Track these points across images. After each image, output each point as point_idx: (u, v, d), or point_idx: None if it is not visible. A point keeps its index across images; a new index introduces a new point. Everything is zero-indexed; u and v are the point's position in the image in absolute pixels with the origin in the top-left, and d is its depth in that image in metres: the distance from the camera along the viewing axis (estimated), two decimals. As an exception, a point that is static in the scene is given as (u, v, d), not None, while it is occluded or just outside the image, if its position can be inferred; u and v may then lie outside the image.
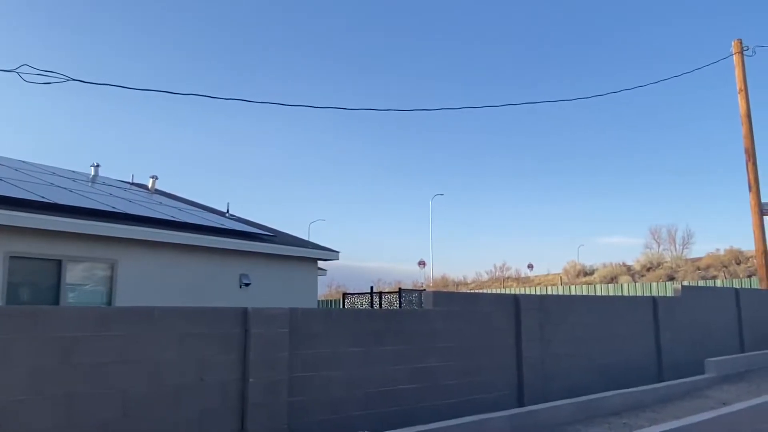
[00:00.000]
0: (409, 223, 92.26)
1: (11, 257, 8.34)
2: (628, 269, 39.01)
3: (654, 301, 10.58)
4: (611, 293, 20.21)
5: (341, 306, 24.03)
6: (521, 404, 7.51)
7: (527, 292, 24.97)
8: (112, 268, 9.66)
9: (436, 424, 5.46)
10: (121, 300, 9.56)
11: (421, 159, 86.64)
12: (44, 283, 8.92)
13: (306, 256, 13.63)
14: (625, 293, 19.90)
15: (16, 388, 4.18)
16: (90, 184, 13.85)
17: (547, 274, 48.90)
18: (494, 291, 33.11)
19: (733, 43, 17.09)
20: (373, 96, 73.13)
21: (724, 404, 6.76)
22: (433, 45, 74.10)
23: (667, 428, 4.46)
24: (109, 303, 9.52)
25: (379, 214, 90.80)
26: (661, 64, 63.77)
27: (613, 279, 34.93)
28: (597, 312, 9.38)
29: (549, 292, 22.98)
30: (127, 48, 64.71)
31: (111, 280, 9.67)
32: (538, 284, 39.48)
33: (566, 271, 44.87)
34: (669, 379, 9.58)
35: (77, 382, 4.45)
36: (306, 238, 17.81)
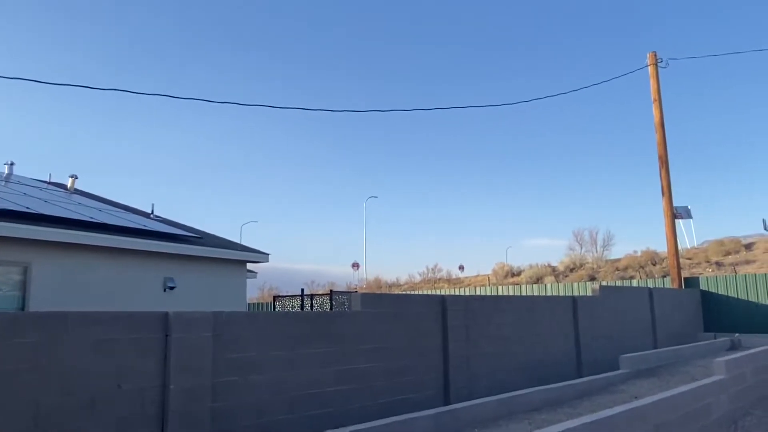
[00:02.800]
0: (343, 225, 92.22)
1: None
2: (553, 270, 40.40)
3: (574, 300, 11.02)
4: (537, 293, 20.89)
5: (272, 309, 23.74)
6: (447, 403, 7.66)
7: (457, 293, 25.44)
8: (26, 271, 9.16)
9: (362, 425, 5.48)
10: (36, 305, 9.08)
11: (355, 160, 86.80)
12: (-52, 288, 8.36)
13: (234, 258, 13.38)
14: (549, 293, 20.62)
15: None
16: (3, 183, 13.10)
17: (477, 275, 49.96)
18: (426, 292, 33.56)
19: (648, 55, 18.05)
20: (307, 94, 72.58)
21: (636, 398, 7.12)
22: (373, 44, 74.31)
23: (581, 422, 4.66)
24: (23, 308, 9.03)
25: (313, 216, 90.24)
26: (583, 72, 66.56)
27: (538, 279, 36.09)
28: (521, 312, 9.68)
29: (478, 293, 23.51)
30: (51, 40, 61.54)
31: (24, 284, 9.17)
32: (468, 285, 40.32)
33: (495, 272, 45.96)
34: (588, 375, 10.00)
35: (-19, 393, 4.20)
36: (238, 241, 17.48)
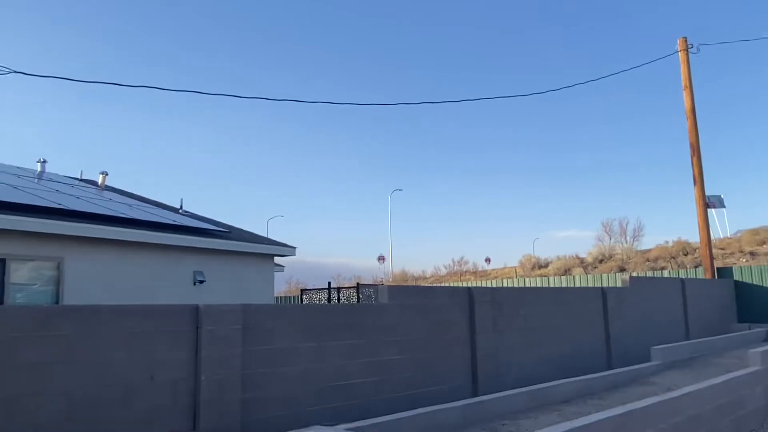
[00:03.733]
0: (369, 218, 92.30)
1: (-50, 257, 8.02)
2: (581, 262, 39.93)
3: (603, 291, 10.88)
4: (565, 285, 20.68)
5: (299, 302, 23.92)
6: (475, 394, 7.63)
7: (483, 285, 25.32)
8: (59, 266, 9.38)
9: (390, 416, 5.50)
10: (70, 299, 9.29)
11: (381, 153, 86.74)
12: (-14, 283, 8.59)
13: (262, 252, 13.50)
14: (578, 285, 20.40)
15: (-47, 391, 4.03)
16: (36, 180, 13.40)
17: (504, 268, 49.66)
18: (452, 284, 33.48)
19: (678, 41, 17.65)
20: (334, 88, 72.62)
21: (669, 390, 7.01)
22: (395, 36, 73.99)
23: (613, 414, 4.61)
24: (57, 302, 9.25)
25: (339, 209, 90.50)
26: (609, 61, 65.38)
27: (566, 271, 35.69)
28: (549, 303, 9.59)
29: (505, 285, 23.36)
30: (73, 38, 62.66)
31: (58, 279, 9.39)
32: (495, 277, 40.09)
33: (522, 264, 45.61)
34: (618, 367, 9.88)
35: (21, 383, 4.31)
36: (264, 235, 17.64)
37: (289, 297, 31.19)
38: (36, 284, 9.26)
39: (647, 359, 9.78)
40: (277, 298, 25.27)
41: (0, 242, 8.56)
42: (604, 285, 17.88)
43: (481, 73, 73.71)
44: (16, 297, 8.78)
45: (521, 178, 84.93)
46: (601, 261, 38.47)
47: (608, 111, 76.13)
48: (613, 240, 45.37)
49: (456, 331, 7.85)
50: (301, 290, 24.98)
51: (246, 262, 13.03)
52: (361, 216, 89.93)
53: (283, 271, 19.70)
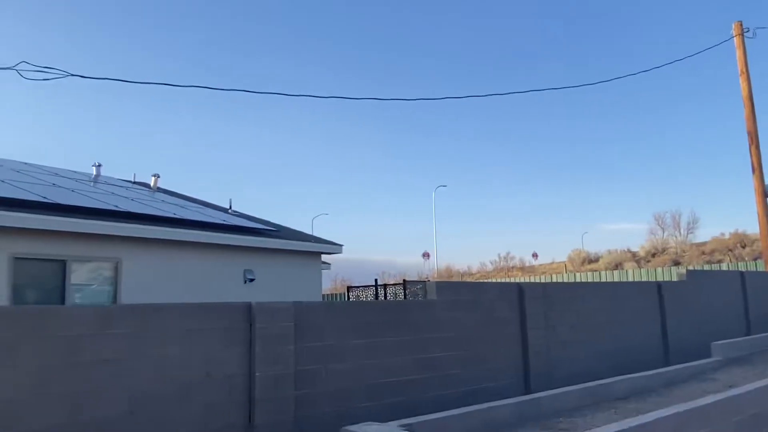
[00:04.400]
0: (412, 214, 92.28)
1: (16, 258, 8.37)
2: (633, 255, 38.95)
3: (659, 286, 10.57)
4: (617, 279, 20.20)
5: (346, 299, 24.08)
6: (528, 392, 7.53)
7: (532, 281, 24.95)
8: (117, 267, 9.69)
9: (441, 413, 5.47)
10: (126, 298, 9.60)
11: (424, 149, 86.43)
12: (49, 283, 8.94)
13: (309, 250, 13.64)
14: (631, 279, 19.88)
15: (23, 387, 4.21)
16: (92, 183, 13.88)
17: (552, 263, 48.89)
18: (498, 280, 33.10)
19: (733, 26, 16.97)
20: (377, 85, 72.76)
21: (731, 387, 6.75)
22: (441, 31, 73.55)
23: (673, 411, 4.46)
24: (115, 302, 9.56)
25: (382, 206, 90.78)
26: (661, 48, 63.36)
27: (618, 266, 34.85)
28: (602, 298, 9.38)
29: (554, 280, 22.97)
30: (127, 43, 64.59)
31: (116, 279, 9.71)
32: (543, 273, 39.47)
33: (571, 259, 44.82)
34: (675, 363, 9.57)
35: (83, 381, 4.47)
36: (309, 233, 17.83)
37: (336, 294, 31.46)
38: (94, 284, 9.59)
39: (706, 355, 9.45)
40: (323, 295, 25.52)
41: (61, 244, 8.90)
42: (659, 279, 17.38)
43: (522, 66, 72.58)
44: (75, 297, 9.11)
45: (568, 171, 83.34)
46: (653, 255, 37.43)
47: (658, 100, 73.87)
48: (666, 233, 44.09)
49: (506, 327, 7.76)
50: (348, 287, 25.15)
51: (294, 261, 13.19)
52: (405, 213, 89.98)
53: (329, 268, 19.87)
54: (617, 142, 78.16)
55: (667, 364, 9.88)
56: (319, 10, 67.79)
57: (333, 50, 73.66)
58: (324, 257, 15.44)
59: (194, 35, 66.78)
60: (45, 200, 9.35)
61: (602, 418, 6.12)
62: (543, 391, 7.05)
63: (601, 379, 7.75)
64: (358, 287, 24.26)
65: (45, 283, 8.99)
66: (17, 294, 8.46)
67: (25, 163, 14.27)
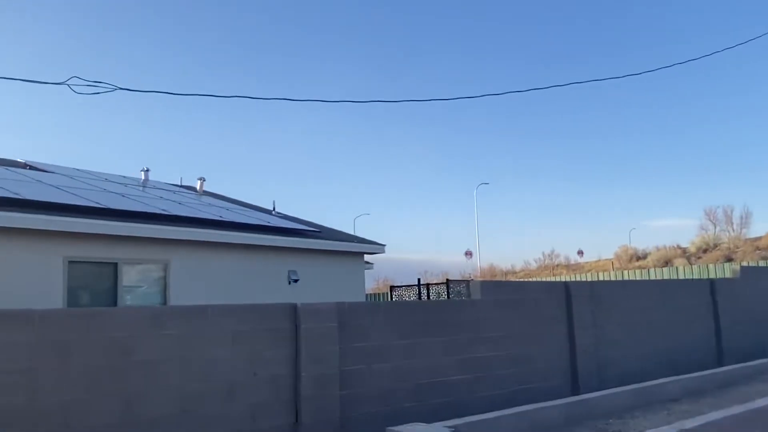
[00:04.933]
0: (454, 213, 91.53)
1: (70, 262, 8.66)
2: (683, 252, 37.83)
3: (711, 283, 10.23)
4: (666, 277, 19.65)
5: (389, 299, 24.11)
6: (576, 392, 7.38)
7: (577, 279, 24.49)
8: (166, 268, 9.93)
9: (488, 414, 5.42)
10: (175, 299, 9.82)
11: (465, 147, 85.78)
12: (102, 285, 9.23)
13: (352, 250, 13.70)
14: (681, 277, 19.30)
15: (78, 386, 4.35)
16: (141, 188, 14.27)
17: (598, 260, 47.90)
18: (543, 279, 32.61)
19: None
20: (418, 84, 72.48)
21: (791, 388, 6.49)
22: (478, 27, 72.85)
23: (729, 413, 4.31)
24: (164, 303, 9.79)
25: (423, 205, 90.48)
26: (708, 38, 61.24)
27: (667, 262, 33.90)
28: (651, 297, 9.14)
29: (600, 278, 22.49)
30: (168, 50, 66.21)
31: (165, 281, 9.94)
32: (589, 271, 38.69)
33: (618, 257, 43.83)
34: (729, 364, 9.25)
35: (135, 380, 4.60)
36: (351, 233, 17.93)
37: (378, 294, 31.53)
38: (143, 286, 9.85)
39: (762, 355, 9.12)
40: (367, 295, 25.63)
41: (112, 247, 9.17)
42: (711, 276, 16.83)
43: (562, 61, 71.28)
44: (126, 298, 9.38)
45: (613, 166, 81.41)
46: (705, 251, 36.27)
47: (706, 91, 71.50)
48: (718, 228, 42.66)
49: (553, 327, 7.63)
50: (391, 287, 25.16)
51: (337, 261, 13.27)
52: (446, 211, 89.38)
53: (372, 268, 19.92)
54: (664, 135, 75.96)
55: (720, 364, 9.55)
56: (355, 9, 68.03)
57: (368, 48, 73.85)
58: (367, 257, 15.49)
59: (230, 37, 67.93)
60: (97, 205, 9.66)
61: (654, 419, 5.96)
62: (592, 391, 6.92)
63: (652, 379, 7.56)
64: (400, 287, 24.24)
65: (98, 286, 9.29)
66: (72, 296, 8.76)
67: (77, 170, 14.78)
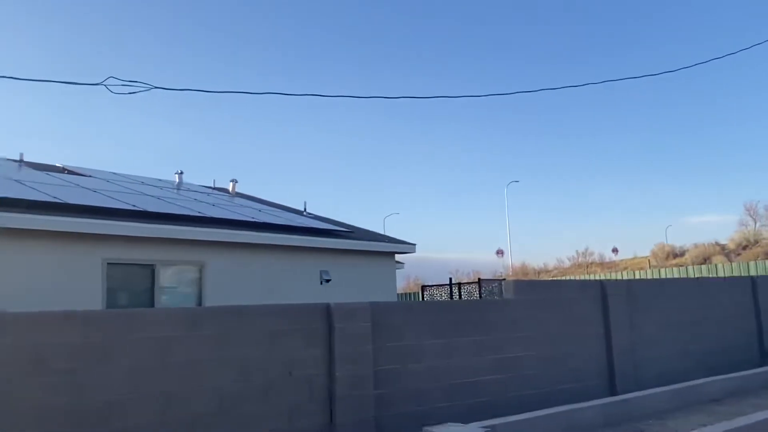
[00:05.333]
0: (484, 211, 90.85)
1: (108, 264, 8.86)
2: (722, 249, 36.90)
3: (753, 281, 9.96)
4: (705, 275, 19.18)
5: (420, 299, 24.06)
6: (613, 393, 7.27)
7: (613, 278, 24.11)
8: (201, 269, 10.08)
9: (524, 414, 5.37)
10: (210, 300, 9.97)
11: (495, 145, 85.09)
12: (139, 287, 9.42)
13: (383, 250, 13.71)
14: (720, 274, 18.82)
15: (118, 385, 4.44)
16: (176, 190, 14.52)
17: (634, 258, 47.05)
18: (577, 278, 32.17)
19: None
20: (448, 81, 72.10)
21: (840, 389, 6.27)
22: (506, 28, 72.23)
23: (776, 416, 4.19)
24: (200, 303, 9.94)
25: (453, 204, 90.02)
26: (743, 32, 59.48)
27: (706, 260, 33.12)
28: (690, 295, 8.94)
29: (636, 277, 22.07)
30: (205, 49, 67.19)
31: (200, 282, 10.10)
32: (624, 269, 38.00)
33: (654, 254, 42.99)
34: (774, 364, 8.99)
35: (173, 380, 4.68)
36: (382, 233, 17.94)
37: (409, 294, 31.50)
38: (179, 287, 10.02)
39: (809, 355, 8.82)
40: (398, 294, 25.61)
41: (149, 249, 9.35)
42: (752, 273, 16.38)
43: (597, 57, 70.15)
44: (162, 299, 9.55)
45: (648, 162, 79.82)
46: (744, 247, 35.30)
47: (746, 85, 69.55)
48: (758, 224, 41.46)
49: (588, 326, 7.52)
50: (422, 287, 25.10)
51: (368, 261, 13.30)
52: (477, 210, 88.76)
53: (403, 268, 19.91)
54: (702, 130, 74.13)
55: (763, 364, 9.29)
56: (386, 10, 68.03)
57: (400, 47, 73.80)
58: (397, 256, 15.49)
59: (262, 39, 68.63)
60: (134, 208, 9.86)
61: (695, 420, 5.83)
62: (629, 392, 6.80)
63: (691, 379, 7.39)
64: (432, 286, 24.16)
65: (135, 287, 9.48)
66: (111, 297, 8.96)
67: (114, 173, 15.12)
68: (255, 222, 11.55)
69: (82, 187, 11.17)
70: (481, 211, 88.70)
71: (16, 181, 10.25)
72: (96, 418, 4.32)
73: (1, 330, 4.07)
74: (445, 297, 21.98)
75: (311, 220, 14.12)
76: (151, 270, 9.40)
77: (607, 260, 49.72)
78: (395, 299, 15.81)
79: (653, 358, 8.04)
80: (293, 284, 11.32)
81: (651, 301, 8.29)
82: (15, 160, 13.57)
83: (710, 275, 18.79)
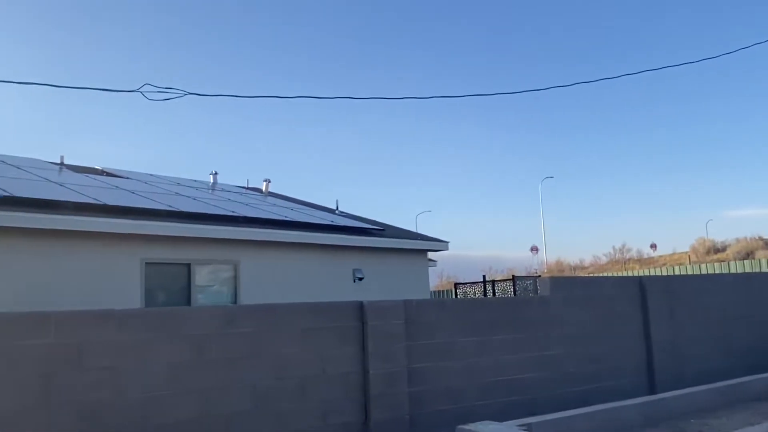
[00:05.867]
0: (518, 208, 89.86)
1: (146, 263, 9.04)
2: (766, 243, 35.79)
3: (799, 276, 9.62)
4: (747, 270, 18.63)
5: (453, 296, 23.95)
6: (653, 391, 7.12)
7: (651, 274, 23.61)
8: (236, 268, 10.21)
9: (562, 413, 5.29)
10: (244, 298, 10.09)
11: (527, 141, 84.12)
12: (176, 285, 9.59)
13: (416, 248, 13.68)
14: (764, 269, 18.25)
15: (158, 382, 4.53)
16: (210, 191, 14.74)
17: (673, 254, 46.01)
18: (614, 274, 31.59)
19: None
20: (480, 79, 71.53)
21: None
22: (540, 23, 71.27)
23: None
24: (234, 302, 10.07)
25: (487, 201, 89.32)
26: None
27: (748, 254, 32.15)
28: (733, 291, 8.69)
29: (676, 273, 21.56)
30: (234, 52, 68.09)
31: (235, 280, 10.23)
32: (663, 264, 37.16)
33: (694, 249, 41.97)
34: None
35: (210, 377, 4.74)
36: (414, 230, 17.91)
37: (442, 291, 31.38)
38: (215, 285, 10.17)
39: None
40: (431, 292, 25.53)
41: (186, 249, 9.51)
42: (797, 269, 15.84)
43: (633, 51, 68.64)
44: (198, 298, 9.71)
45: (687, 156, 77.89)
46: (789, 242, 34.13)
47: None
48: (803, 217, 40.01)
49: (627, 323, 7.38)
50: (455, 284, 24.98)
51: (401, 259, 13.29)
52: (510, 206, 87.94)
53: (435, 265, 19.84)
54: (743, 122, 71.94)
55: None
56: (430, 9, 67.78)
57: (431, 45, 73.49)
58: (430, 254, 15.43)
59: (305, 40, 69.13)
60: (171, 209, 10.04)
61: (738, 419, 5.67)
62: (669, 390, 6.65)
63: (734, 378, 7.19)
64: (465, 284, 24.02)
65: (172, 286, 9.66)
66: (149, 296, 9.14)
67: (151, 175, 15.42)
68: (288, 221, 11.64)
69: (121, 188, 11.43)
70: (514, 207, 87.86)
71: (58, 183, 10.54)
72: (137, 414, 4.41)
73: (45, 328, 4.19)
74: (478, 294, 21.84)
75: (343, 218, 14.17)
76: (187, 269, 9.56)
77: (645, 256, 48.76)
78: (428, 297, 15.76)
79: (694, 356, 7.84)
80: (326, 282, 11.38)
81: (692, 297, 8.09)
82: (56, 163, 13.95)
83: (753, 271, 18.24)
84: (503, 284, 21.86)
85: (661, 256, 46.73)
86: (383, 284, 12.35)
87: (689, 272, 21.27)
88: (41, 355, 4.14)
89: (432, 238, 14.90)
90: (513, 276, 21.91)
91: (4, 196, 8.08)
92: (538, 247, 50.63)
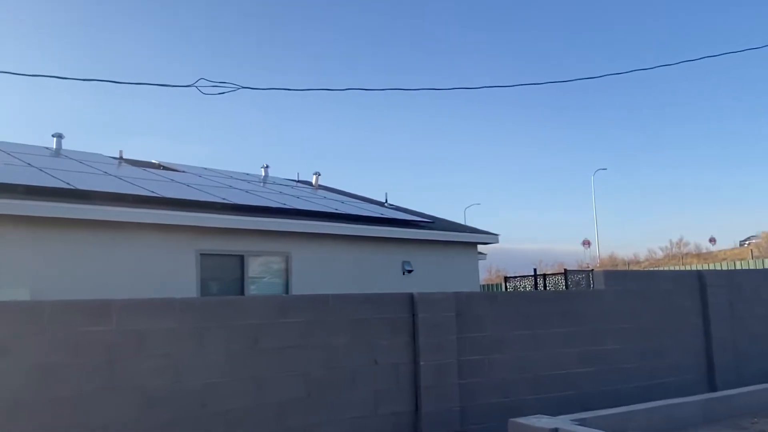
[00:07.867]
0: (569, 201, 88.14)
1: (201, 254, 9.29)
2: (835, 238, 33.94)
3: None
4: (815, 265, 17.74)
5: (503, 290, 23.70)
6: (712, 388, 6.88)
7: (711, 268, 22.75)
8: (287, 260, 10.38)
9: (618, 408, 5.16)
10: (296, 289, 10.24)
11: (580, 133, 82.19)
12: (230, 276, 9.82)
13: (465, 240, 13.58)
14: (834, 265, 17.33)
15: (213, 370, 4.65)
16: (262, 184, 15.01)
17: (733, 249, 44.28)
18: (670, 268, 30.61)
19: None
20: (532, 67, 70.24)
21: None
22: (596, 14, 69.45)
23: None
24: (286, 292, 10.24)
25: (536, 194, 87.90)
26: None
27: (816, 249, 30.59)
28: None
29: (737, 267, 20.72)
30: (284, 45, 68.88)
31: (286, 272, 10.40)
32: (723, 259, 35.75)
33: (757, 244, 40.21)
34: None
35: (264, 365, 4.84)
36: (463, 223, 17.78)
37: (491, 285, 31.08)
38: (266, 277, 10.35)
39: None
40: (480, 286, 25.30)
41: (239, 240, 9.72)
42: None
43: (680, 40, 66.06)
44: (251, 289, 9.91)
45: (749, 144, 74.57)
46: None
47: None
48: None
49: (685, 318, 7.15)
50: (505, 278, 24.74)
51: (450, 251, 13.23)
52: (562, 199, 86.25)
53: (485, 258, 19.66)
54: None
55: None
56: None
57: (484, 38, 72.53)
58: (479, 247, 15.30)
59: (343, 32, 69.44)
60: (224, 201, 10.28)
61: (808, 421, 5.41)
62: (730, 387, 6.41)
63: (803, 377, 6.86)
64: (515, 277, 23.75)
65: (226, 276, 9.89)
66: (204, 286, 9.40)
67: (205, 168, 15.82)
68: (338, 213, 11.75)
69: (177, 182, 11.76)
70: (565, 200, 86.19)
71: (118, 177, 10.93)
72: (195, 401, 4.54)
73: (107, 315, 4.35)
74: (529, 288, 21.56)
75: (393, 211, 14.20)
76: (240, 260, 9.77)
77: (704, 251, 47.05)
78: (478, 290, 15.63)
79: (757, 353, 7.54)
80: (376, 274, 11.44)
81: (755, 292, 7.77)
82: (115, 158, 14.46)
83: (822, 266, 17.34)
84: (554, 278, 21.50)
85: (720, 251, 45.01)
86: (432, 277, 12.32)
87: (751, 267, 20.39)
88: (104, 341, 4.30)
89: (482, 230, 14.77)
90: (564, 270, 21.50)
91: (69, 189, 8.43)
92: (590, 241, 49.52)
